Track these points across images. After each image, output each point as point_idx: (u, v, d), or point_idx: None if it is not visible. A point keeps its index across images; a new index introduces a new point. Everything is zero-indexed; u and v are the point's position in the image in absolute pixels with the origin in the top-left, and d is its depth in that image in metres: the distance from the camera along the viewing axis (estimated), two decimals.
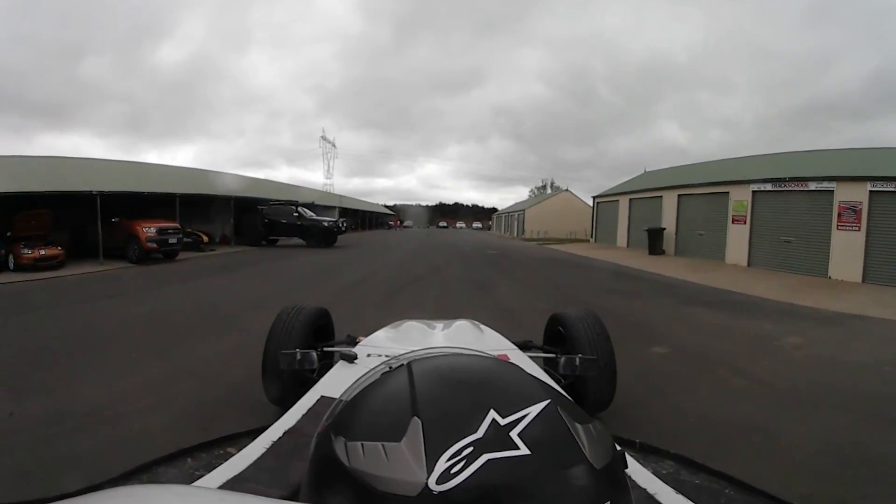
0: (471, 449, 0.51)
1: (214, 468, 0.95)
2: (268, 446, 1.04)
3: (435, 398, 0.58)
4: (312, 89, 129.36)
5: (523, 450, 0.51)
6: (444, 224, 79.56)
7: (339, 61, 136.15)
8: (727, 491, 1.05)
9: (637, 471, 0.92)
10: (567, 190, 47.16)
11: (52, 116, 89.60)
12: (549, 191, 73.18)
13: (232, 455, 1.06)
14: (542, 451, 0.52)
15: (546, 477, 0.51)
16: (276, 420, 1.17)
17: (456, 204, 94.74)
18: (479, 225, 78.64)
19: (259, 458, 0.99)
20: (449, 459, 0.50)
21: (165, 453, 1.11)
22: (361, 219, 48.97)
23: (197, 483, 0.91)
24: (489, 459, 0.50)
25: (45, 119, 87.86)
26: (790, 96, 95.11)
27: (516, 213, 50.10)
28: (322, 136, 69.29)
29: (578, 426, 0.56)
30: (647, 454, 1.21)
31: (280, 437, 1.08)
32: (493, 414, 0.54)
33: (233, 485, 0.88)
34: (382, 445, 0.52)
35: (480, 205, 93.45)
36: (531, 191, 77.30)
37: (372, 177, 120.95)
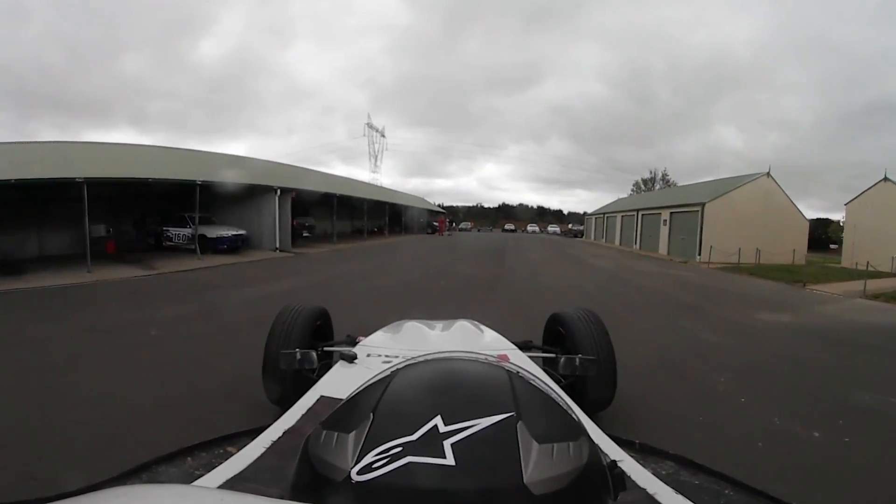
0: (399, 449, 0.53)
1: (214, 467, 0.94)
2: (267, 446, 1.02)
3: (395, 399, 0.61)
4: (364, 85, 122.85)
5: (448, 460, 0.52)
6: (512, 227, 62.49)
7: (390, 56, 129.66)
8: (727, 492, 1.04)
9: (637, 471, 0.91)
10: (768, 174, 24.36)
11: (97, 115, 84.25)
12: (657, 185, 54.60)
13: (232, 454, 1.05)
14: (470, 464, 0.52)
15: (463, 491, 0.50)
16: (275, 419, 1.15)
17: (520, 205, 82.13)
18: (557, 229, 61.29)
19: (259, 458, 0.97)
20: (377, 455, 0.52)
21: (165, 453, 1.09)
22: (391, 217, 32.72)
23: (197, 482, 0.89)
24: (410, 462, 0.52)
25: (89, 117, 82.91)
26: (852, 96, 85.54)
27: (664, 213, 26.91)
28: (367, 124, 57.50)
29: (536, 445, 0.54)
30: (647, 455, 1.19)
31: (280, 437, 1.07)
32: (436, 420, 0.55)
33: (232, 484, 0.86)
34: (336, 434, 0.56)
35: (546, 206, 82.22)
36: (634, 185, 57.82)
37: (431, 177, 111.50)
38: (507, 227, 62.47)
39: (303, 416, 1.18)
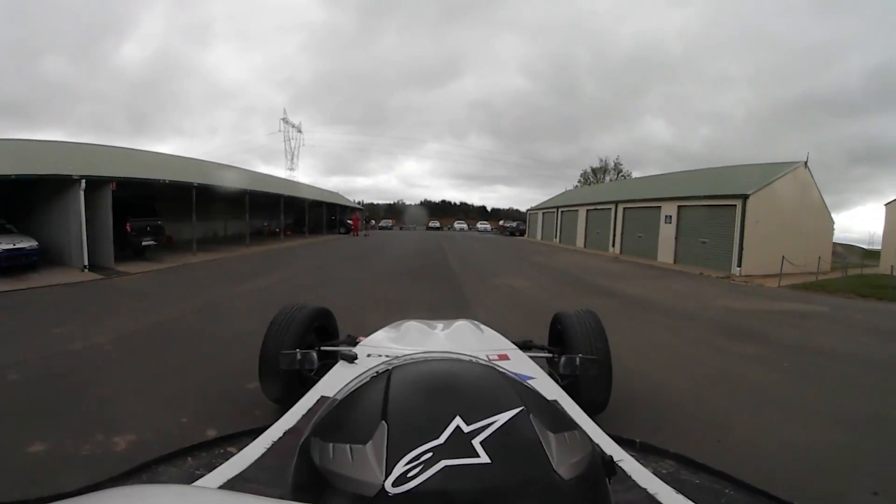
0: (430, 454, 0.51)
1: (215, 468, 0.92)
2: (268, 446, 1.01)
3: (405, 403, 0.59)
4: (281, 84, 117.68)
5: (483, 458, 0.51)
6: (437, 224, 54.18)
7: (306, 54, 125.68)
8: (727, 491, 1.02)
9: (637, 470, 0.90)
10: (805, 165, 18.13)
11: (20, 117, 72.75)
12: (609, 176, 48.65)
13: (232, 455, 1.04)
14: (504, 459, 0.52)
15: (505, 486, 0.50)
16: (276, 420, 1.14)
17: (443, 202, 78.00)
18: (488, 226, 53.61)
19: (259, 458, 0.96)
20: (408, 463, 0.50)
21: (165, 452, 1.08)
22: (296, 215, 27.35)
23: (197, 483, 0.88)
24: (446, 466, 0.50)
25: (12, 119, 72.24)
26: (785, 90, 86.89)
27: (666, 206, 19.28)
28: (283, 119, 53.12)
29: (551, 435, 0.55)
30: (647, 454, 1.18)
31: (280, 437, 1.06)
32: (458, 421, 0.54)
33: (233, 484, 0.85)
34: (350, 447, 0.53)
35: (469, 203, 78.48)
36: (582, 175, 52.02)
37: (351, 175, 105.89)
38: (431, 224, 54.33)
39: (303, 416, 1.17)
